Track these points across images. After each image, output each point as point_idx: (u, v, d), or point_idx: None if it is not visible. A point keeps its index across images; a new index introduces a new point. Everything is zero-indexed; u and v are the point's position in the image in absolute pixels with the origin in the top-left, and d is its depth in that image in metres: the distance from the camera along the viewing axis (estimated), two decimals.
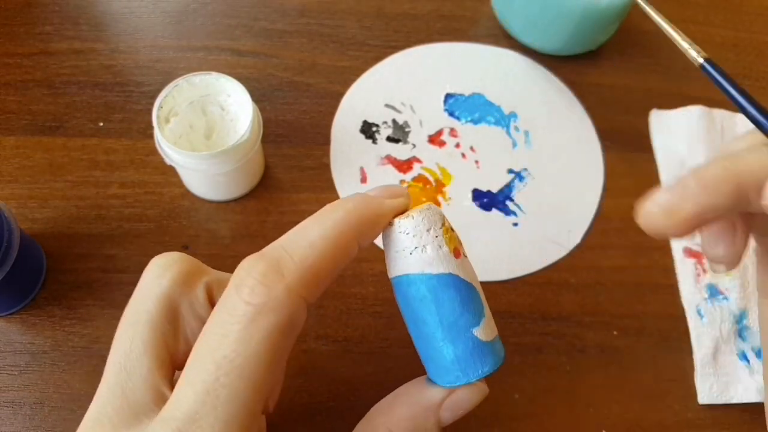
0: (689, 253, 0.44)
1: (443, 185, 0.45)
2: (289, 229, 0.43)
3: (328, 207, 0.23)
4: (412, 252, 0.24)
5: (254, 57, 0.48)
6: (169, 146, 0.36)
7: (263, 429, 0.22)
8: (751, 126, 0.23)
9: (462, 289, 0.24)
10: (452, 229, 0.25)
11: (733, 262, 0.23)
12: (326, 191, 0.44)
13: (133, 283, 0.39)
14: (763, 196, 0.20)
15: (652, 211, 0.21)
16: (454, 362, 0.24)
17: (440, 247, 0.24)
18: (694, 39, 0.53)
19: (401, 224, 0.24)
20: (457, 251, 0.24)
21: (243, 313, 0.20)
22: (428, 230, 0.24)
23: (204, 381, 0.19)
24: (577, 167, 0.47)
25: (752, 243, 0.44)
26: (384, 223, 0.24)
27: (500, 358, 0.25)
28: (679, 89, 0.51)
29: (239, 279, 0.21)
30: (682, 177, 0.21)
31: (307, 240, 0.22)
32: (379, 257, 0.38)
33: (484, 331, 0.24)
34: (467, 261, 0.25)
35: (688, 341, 0.41)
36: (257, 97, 0.46)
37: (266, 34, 0.49)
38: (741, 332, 0.42)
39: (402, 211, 0.25)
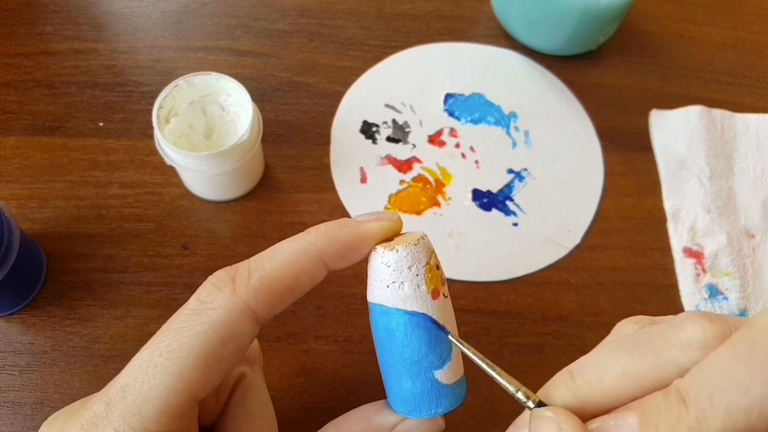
0: (689, 253, 0.44)
1: (443, 185, 0.45)
2: (289, 229, 0.44)
3: (308, 229, 0.24)
4: (389, 285, 0.24)
5: (254, 57, 0.48)
6: (169, 146, 0.36)
7: (194, 422, 0.23)
8: None
9: (432, 331, 0.24)
10: (438, 267, 0.25)
11: None
12: (326, 191, 0.44)
13: (133, 283, 0.40)
14: None
15: None
16: (410, 396, 0.25)
17: (418, 286, 0.24)
18: (694, 39, 0.53)
19: (384, 255, 0.24)
20: (437, 292, 0.24)
21: (191, 308, 0.22)
22: (410, 267, 0.24)
23: (142, 359, 0.22)
24: (577, 167, 0.47)
25: (753, 242, 0.44)
26: (363, 246, 0.25)
27: (458, 401, 0.25)
28: (679, 89, 0.51)
29: (203, 284, 0.23)
30: None
31: (269, 256, 0.23)
32: None
33: (446, 374, 0.25)
34: (447, 302, 0.25)
35: None
36: (257, 97, 0.46)
37: (266, 34, 0.49)
38: None
39: (392, 236, 0.25)
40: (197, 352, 0.21)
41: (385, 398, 0.27)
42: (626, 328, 0.23)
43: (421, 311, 0.24)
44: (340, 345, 0.39)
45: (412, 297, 0.24)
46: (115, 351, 0.38)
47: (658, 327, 0.21)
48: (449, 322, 0.25)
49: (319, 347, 0.39)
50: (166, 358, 0.21)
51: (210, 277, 0.23)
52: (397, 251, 0.24)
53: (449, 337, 0.24)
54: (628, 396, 0.20)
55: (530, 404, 0.21)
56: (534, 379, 0.40)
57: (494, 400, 0.39)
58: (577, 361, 0.22)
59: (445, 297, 0.25)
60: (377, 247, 0.24)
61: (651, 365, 0.20)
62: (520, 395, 0.22)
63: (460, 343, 0.24)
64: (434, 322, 0.24)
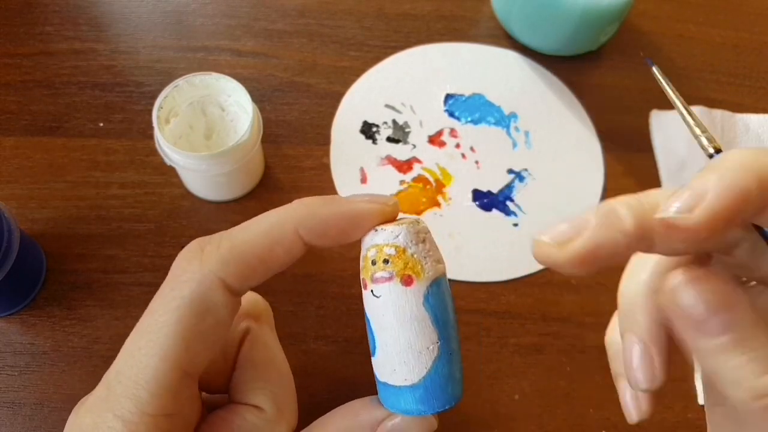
0: None
1: (443, 186, 0.45)
2: None
3: (294, 200, 0.24)
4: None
5: (254, 57, 0.48)
6: (169, 147, 0.36)
7: (194, 399, 0.23)
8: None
9: (366, 317, 0.24)
10: (374, 263, 0.23)
11: (650, 381, 0.23)
12: (326, 191, 0.44)
13: (134, 284, 0.40)
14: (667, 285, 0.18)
15: (543, 241, 0.20)
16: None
17: (361, 268, 0.23)
18: (694, 39, 0.53)
19: (371, 233, 0.23)
20: (364, 283, 0.24)
21: (167, 285, 0.22)
22: (361, 251, 0.24)
23: (131, 342, 0.22)
24: (577, 167, 0.47)
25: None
26: (346, 224, 0.23)
27: (407, 406, 0.24)
28: (679, 89, 0.50)
29: (178, 255, 0.23)
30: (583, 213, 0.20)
31: (245, 226, 0.23)
32: None
33: (376, 366, 0.24)
34: (375, 300, 0.24)
35: None
36: (257, 97, 0.46)
37: (266, 34, 0.49)
38: None
39: (388, 220, 0.24)
40: (174, 330, 0.21)
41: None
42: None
43: (363, 295, 0.24)
44: (340, 345, 0.39)
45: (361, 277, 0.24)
46: (115, 351, 0.37)
47: None
48: (377, 318, 0.24)
49: (319, 347, 0.39)
50: (147, 340, 0.21)
51: (184, 248, 0.23)
52: (375, 231, 0.23)
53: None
54: None
55: (711, 150, 0.21)
56: (534, 379, 0.40)
57: (494, 400, 0.39)
58: None
59: (374, 295, 0.23)
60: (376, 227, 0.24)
61: None
62: (703, 140, 0.21)
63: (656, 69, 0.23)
64: (366, 312, 0.24)
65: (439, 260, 0.24)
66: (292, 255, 0.23)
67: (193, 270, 0.22)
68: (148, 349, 0.21)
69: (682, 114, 0.22)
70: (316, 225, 0.23)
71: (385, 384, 0.24)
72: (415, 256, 0.23)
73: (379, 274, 0.23)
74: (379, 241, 0.23)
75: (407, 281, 0.23)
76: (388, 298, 0.23)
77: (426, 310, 0.23)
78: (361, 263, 0.24)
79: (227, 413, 0.24)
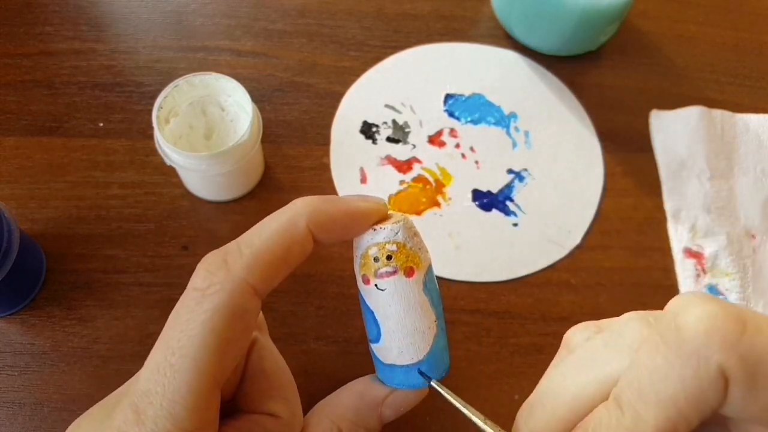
0: (689, 253, 0.44)
1: (443, 186, 0.45)
2: None
3: (294, 200, 0.25)
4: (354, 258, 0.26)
5: (254, 57, 0.48)
6: (168, 147, 0.36)
7: (218, 408, 0.23)
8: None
9: (366, 309, 0.26)
10: (376, 260, 0.25)
11: None
12: (326, 191, 0.44)
13: (134, 284, 0.40)
14: None
15: None
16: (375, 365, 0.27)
17: (357, 267, 0.26)
18: (694, 39, 0.53)
19: (369, 232, 0.25)
20: (366, 278, 0.25)
21: (190, 298, 0.22)
22: (355, 249, 0.26)
23: (157, 361, 0.21)
24: (577, 167, 0.47)
25: (754, 243, 0.44)
26: (348, 221, 0.25)
27: (400, 383, 0.26)
28: (679, 89, 0.51)
29: (195, 271, 0.23)
30: None
31: (258, 231, 0.23)
32: None
33: (381, 352, 0.26)
34: (379, 293, 0.25)
35: None
36: (257, 97, 0.46)
37: (266, 34, 0.49)
38: None
39: (380, 219, 0.26)
40: (208, 342, 0.21)
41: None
42: (576, 337, 0.24)
43: (359, 288, 0.26)
44: (340, 345, 0.39)
45: (356, 274, 0.26)
46: (114, 351, 0.38)
47: (602, 338, 0.22)
48: (381, 309, 0.26)
49: (319, 348, 0.39)
50: (180, 356, 0.21)
51: (200, 263, 0.23)
52: (374, 230, 0.25)
53: (432, 383, 0.25)
54: (581, 416, 0.20)
55: None
56: (534, 380, 0.39)
57: (494, 400, 0.39)
58: (533, 393, 0.22)
59: (379, 289, 0.25)
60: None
61: (599, 381, 0.20)
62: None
63: (441, 388, 0.25)
64: (365, 302, 0.26)
65: (427, 250, 0.26)
66: (305, 251, 0.24)
67: (221, 280, 0.22)
68: (182, 365, 0.21)
69: (472, 419, 0.24)
70: (324, 220, 0.24)
71: (391, 366, 0.26)
72: (413, 249, 0.25)
73: (383, 270, 0.25)
74: (380, 240, 0.25)
75: (409, 273, 0.25)
76: (394, 290, 0.25)
77: (425, 295, 0.25)
78: (359, 261, 0.25)
79: (246, 423, 0.25)
